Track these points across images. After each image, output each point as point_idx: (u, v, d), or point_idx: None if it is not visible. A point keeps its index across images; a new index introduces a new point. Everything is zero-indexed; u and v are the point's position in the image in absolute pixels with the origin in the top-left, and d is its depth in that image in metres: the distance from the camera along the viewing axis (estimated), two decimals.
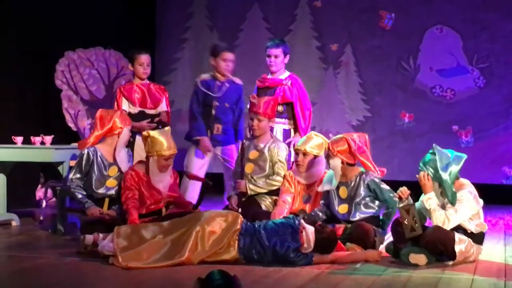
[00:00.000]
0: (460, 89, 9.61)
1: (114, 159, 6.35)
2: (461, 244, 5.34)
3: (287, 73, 7.12)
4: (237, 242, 5.32)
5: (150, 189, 6.08)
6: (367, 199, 5.87)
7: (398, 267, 5.26)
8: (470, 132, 9.59)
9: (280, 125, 6.97)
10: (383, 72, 9.82)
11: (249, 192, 6.40)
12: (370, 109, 9.89)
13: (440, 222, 5.35)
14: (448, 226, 5.35)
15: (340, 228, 5.79)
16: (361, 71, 9.93)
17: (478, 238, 5.48)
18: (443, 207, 5.41)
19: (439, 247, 5.32)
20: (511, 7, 9.50)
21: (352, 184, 5.92)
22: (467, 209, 5.38)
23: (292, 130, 7.03)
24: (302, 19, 10.06)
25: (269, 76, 7.11)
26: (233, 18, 10.19)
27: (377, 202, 5.90)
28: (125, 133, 6.42)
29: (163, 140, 6.08)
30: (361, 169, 5.97)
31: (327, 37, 10.02)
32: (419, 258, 5.31)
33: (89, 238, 5.57)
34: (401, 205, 5.44)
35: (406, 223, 5.35)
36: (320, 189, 6.03)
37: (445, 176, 5.38)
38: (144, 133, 6.23)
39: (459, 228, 5.41)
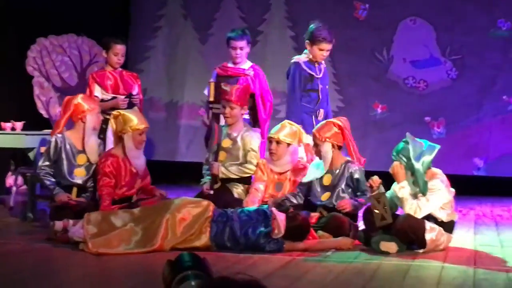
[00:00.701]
0: (433, 81, 9.65)
1: (83, 147, 6.27)
2: (432, 232, 5.38)
3: (249, 63, 7.13)
4: (208, 229, 5.31)
5: (127, 173, 6.04)
6: (349, 190, 5.90)
7: (369, 254, 5.29)
8: (442, 123, 9.64)
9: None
10: (356, 62, 9.83)
11: (220, 175, 6.39)
12: (343, 100, 9.91)
13: (412, 210, 5.37)
14: (419, 215, 5.38)
15: (314, 216, 5.80)
16: (335, 62, 9.92)
17: (448, 226, 5.53)
18: (415, 196, 5.44)
19: (409, 235, 5.36)
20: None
21: (337, 172, 5.94)
22: (439, 198, 5.41)
23: (251, 120, 7.04)
24: (277, 8, 10.04)
25: (230, 65, 7.09)
26: (207, 6, 10.14)
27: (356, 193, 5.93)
28: (90, 119, 6.22)
29: (134, 116, 6.07)
30: (347, 158, 5.99)
31: (301, 27, 9.98)
32: (390, 246, 5.34)
33: (58, 224, 5.54)
34: (372, 194, 5.47)
35: (377, 211, 5.38)
36: (306, 179, 6.00)
37: (417, 165, 5.40)
38: (114, 112, 6.17)
39: (430, 217, 5.45)
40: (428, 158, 5.45)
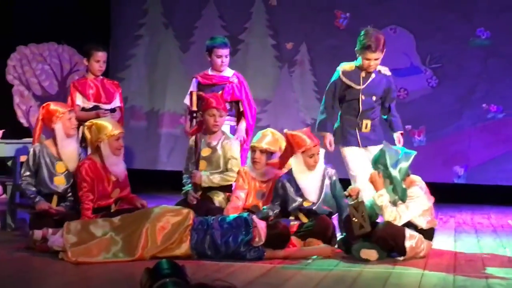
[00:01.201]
0: (414, 89, 9.70)
1: (59, 155, 6.19)
2: (412, 240, 5.40)
3: (231, 71, 7.13)
4: (189, 237, 5.30)
5: (105, 180, 6.01)
6: (330, 194, 5.93)
7: (349, 262, 5.29)
8: (423, 131, 9.68)
9: (228, 122, 6.99)
10: None
11: (202, 184, 6.38)
12: None
13: (392, 218, 5.39)
14: (399, 222, 5.40)
15: (294, 225, 5.81)
16: (316, 70, 9.96)
17: (428, 234, 5.55)
18: (394, 203, 5.46)
19: (389, 242, 5.37)
20: (464, 8, 9.62)
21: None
22: (418, 205, 5.44)
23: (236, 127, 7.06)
24: (258, 17, 10.06)
25: (213, 73, 7.09)
26: (188, 15, 10.15)
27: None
28: (59, 126, 6.15)
29: (108, 122, 6.06)
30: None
31: (283, 36, 10.04)
32: (370, 254, 5.35)
33: (38, 233, 5.51)
34: (350, 203, 5.50)
35: (355, 220, 5.40)
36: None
37: (394, 172, 5.43)
38: (87, 123, 6.12)
39: (410, 224, 5.47)
40: (405, 165, 5.48)
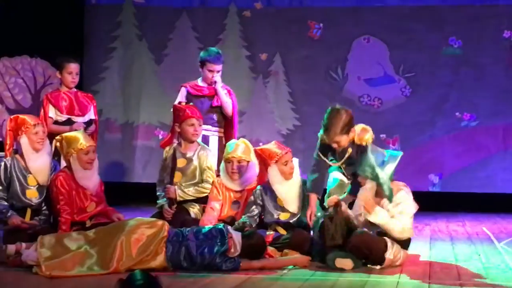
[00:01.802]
0: (387, 98, 9.76)
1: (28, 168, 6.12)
2: (390, 250, 5.38)
3: (221, 83, 7.13)
4: (164, 249, 5.27)
5: (79, 195, 5.98)
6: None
7: (325, 271, 5.29)
8: (397, 140, 9.74)
9: (216, 133, 6.99)
10: (311, 81, 9.91)
11: (178, 198, 6.36)
12: (300, 118, 9.96)
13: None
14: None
15: (270, 235, 5.80)
16: (290, 81, 10.00)
17: (404, 243, 5.55)
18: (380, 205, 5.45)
19: (364, 251, 5.36)
20: (436, 18, 9.71)
21: None
22: (411, 206, 5.45)
23: (223, 138, 7.06)
24: (231, 28, 10.08)
25: (202, 84, 7.08)
26: (162, 27, 10.15)
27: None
28: (24, 140, 6.05)
29: (77, 135, 6.02)
30: None
31: (257, 47, 10.07)
32: (345, 263, 5.34)
33: (11, 247, 5.46)
34: (326, 213, 5.49)
35: (328, 231, 5.41)
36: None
37: (381, 173, 5.43)
38: (57, 137, 6.07)
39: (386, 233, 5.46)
40: (391, 166, 5.48)
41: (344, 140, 5.66)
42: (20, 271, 5.20)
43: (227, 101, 7.04)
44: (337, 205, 5.50)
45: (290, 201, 5.93)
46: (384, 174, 5.43)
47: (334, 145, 5.70)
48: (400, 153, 5.57)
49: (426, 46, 9.73)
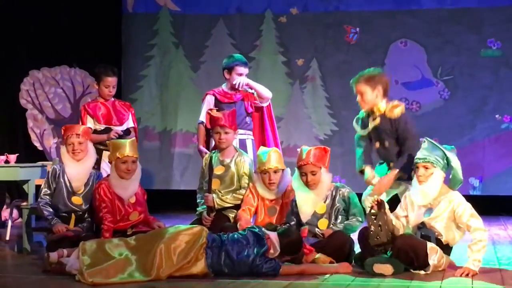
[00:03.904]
0: (426, 102, 9.69)
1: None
2: (433, 255, 5.32)
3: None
4: (204, 255, 5.28)
5: (122, 202, 6.04)
6: (343, 211, 5.88)
7: (366, 277, 5.25)
8: None
9: (250, 137, 7.01)
10: (349, 86, 9.75)
11: (216, 206, 6.38)
12: (337, 123, 9.94)
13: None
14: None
15: (304, 229, 5.76)
16: (327, 86, 9.98)
17: (447, 249, 5.49)
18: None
19: (410, 255, 5.29)
20: (474, 20, 9.63)
21: (330, 199, 5.90)
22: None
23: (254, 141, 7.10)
24: (268, 34, 10.10)
25: (230, 91, 7.08)
26: (199, 34, 10.20)
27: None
28: (63, 150, 6.29)
29: (124, 143, 6.08)
30: (335, 183, 5.98)
31: (293, 52, 10.06)
32: (384, 268, 5.27)
33: (53, 255, 5.51)
34: (368, 212, 5.42)
35: (372, 229, 5.34)
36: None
37: (454, 160, 5.39)
38: (108, 141, 6.20)
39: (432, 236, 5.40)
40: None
41: (368, 93, 5.74)
42: (63, 279, 5.24)
43: (259, 86, 7.06)
44: (380, 205, 5.42)
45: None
46: (457, 162, 5.37)
47: (358, 98, 5.79)
48: (453, 147, 5.53)
49: (464, 48, 9.65)
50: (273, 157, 6.19)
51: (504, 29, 9.54)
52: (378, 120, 5.79)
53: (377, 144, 5.88)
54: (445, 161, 5.41)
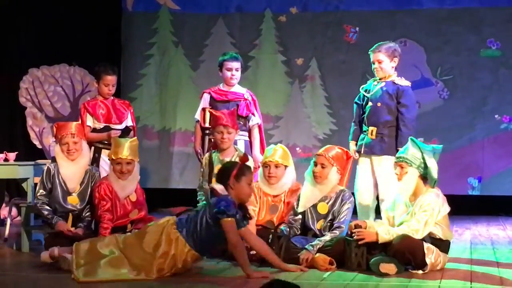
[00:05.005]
0: (425, 101, 9.68)
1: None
2: (430, 254, 5.33)
3: (243, 88, 7.16)
4: (178, 234, 5.22)
5: (118, 201, 6.03)
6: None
7: (366, 276, 5.26)
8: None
9: (242, 138, 7.00)
10: (348, 85, 9.85)
11: None
12: (336, 123, 9.93)
13: (412, 230, 5.36)
14: (419, 231, 5.34)
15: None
16: (327, 85, 9.98)
17: (444, 246, 5.50)
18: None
19: (407, 256, 5.31)
20: (474, 20, 9.63)
21: (333, 200, 5.90)
22: (433, 215, 5.39)
23: (249, 142, 7.08)
24: (267, 33, 10.09)
25: (225, 89, 7.10)
26: (198, 33, 10.19)
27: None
28: (57, 149, 6.26)
29: (121, 143, 6.08)
30: (341, 187, 5.97)
31: (292, 51, 10.06)
32: (389, 267, 5.29)
33: (44, 255, 5.54)
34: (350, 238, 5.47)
35: (354, 257, 5.44)
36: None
37: (430, 162, 5.42)
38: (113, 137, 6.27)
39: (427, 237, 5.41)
40: (436, 158, 5.49)
41: (386, 62, 6.45)
42: (61, 277, 5.25)
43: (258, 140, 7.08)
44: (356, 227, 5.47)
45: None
46: (433, 162, 5.43)
47: (376, 65, 6.47)
48: (441, 146, 5.68)
49: (463, 48, 9.65)
50: (277, 152, 6.23)
51: (503, 29, 9.54)
52: (384, 84, 6.44)
53: (370, 103, 6.41)
54: (422, 160, 5.45)
